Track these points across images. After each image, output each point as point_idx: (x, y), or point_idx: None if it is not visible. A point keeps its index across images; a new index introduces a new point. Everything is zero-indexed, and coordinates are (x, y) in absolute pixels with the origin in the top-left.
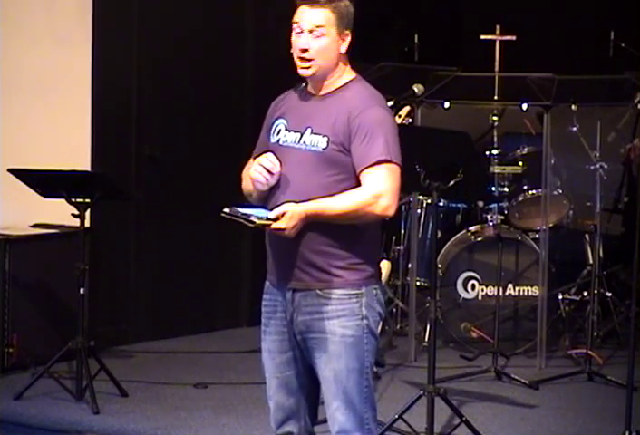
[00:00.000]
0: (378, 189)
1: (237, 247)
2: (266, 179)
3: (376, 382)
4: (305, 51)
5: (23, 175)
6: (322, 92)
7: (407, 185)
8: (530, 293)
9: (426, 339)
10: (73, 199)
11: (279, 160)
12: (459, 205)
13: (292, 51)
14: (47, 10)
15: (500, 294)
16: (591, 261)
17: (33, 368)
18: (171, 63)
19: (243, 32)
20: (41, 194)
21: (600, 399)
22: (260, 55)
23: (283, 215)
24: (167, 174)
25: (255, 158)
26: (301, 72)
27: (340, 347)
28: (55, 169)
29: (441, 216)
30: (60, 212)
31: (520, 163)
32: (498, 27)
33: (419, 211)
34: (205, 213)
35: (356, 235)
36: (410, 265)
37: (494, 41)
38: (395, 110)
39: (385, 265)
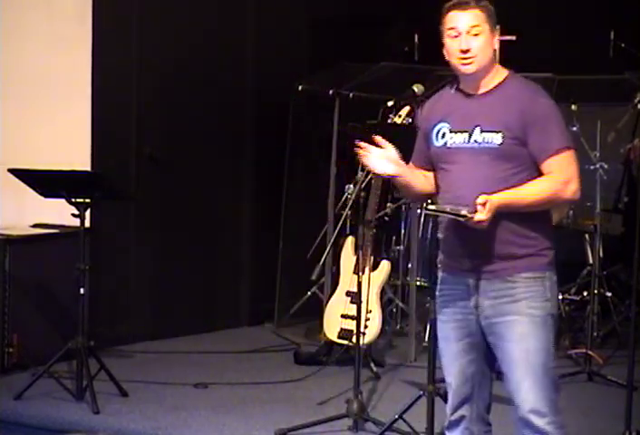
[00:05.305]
0: (566, 176)
1: (236, 248)
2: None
3: (376, 382)
4: (466, 51)
5: (23, 175)
6: (481, 91)
7: None
8: None
9: (426, 339)
10: (73, 199)
11: (448, 162)
12: None
13: (448, 57)
14: (47, 10)
15: None
16: (591, 261)
17: (34, 368)
18: (171, 63)
19: (244, 32)
20: (41, 194)
21: (600, 399)
22: (261, 55)
23: (484, 206)
24: (167, 174)
25: (414, 164)
26: (464, 69)
27: (530, 327)
28: (55, 169)
29: None
30: (60, 212)
31: None
32: (498, 27)
33: (419, 211)
34: (205, 213)
35: (539, 221)
36: (410, 265)
37: None
38: (395, 110)
39: (385, 266)
